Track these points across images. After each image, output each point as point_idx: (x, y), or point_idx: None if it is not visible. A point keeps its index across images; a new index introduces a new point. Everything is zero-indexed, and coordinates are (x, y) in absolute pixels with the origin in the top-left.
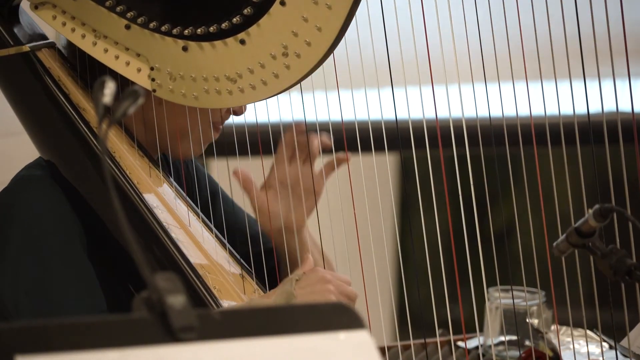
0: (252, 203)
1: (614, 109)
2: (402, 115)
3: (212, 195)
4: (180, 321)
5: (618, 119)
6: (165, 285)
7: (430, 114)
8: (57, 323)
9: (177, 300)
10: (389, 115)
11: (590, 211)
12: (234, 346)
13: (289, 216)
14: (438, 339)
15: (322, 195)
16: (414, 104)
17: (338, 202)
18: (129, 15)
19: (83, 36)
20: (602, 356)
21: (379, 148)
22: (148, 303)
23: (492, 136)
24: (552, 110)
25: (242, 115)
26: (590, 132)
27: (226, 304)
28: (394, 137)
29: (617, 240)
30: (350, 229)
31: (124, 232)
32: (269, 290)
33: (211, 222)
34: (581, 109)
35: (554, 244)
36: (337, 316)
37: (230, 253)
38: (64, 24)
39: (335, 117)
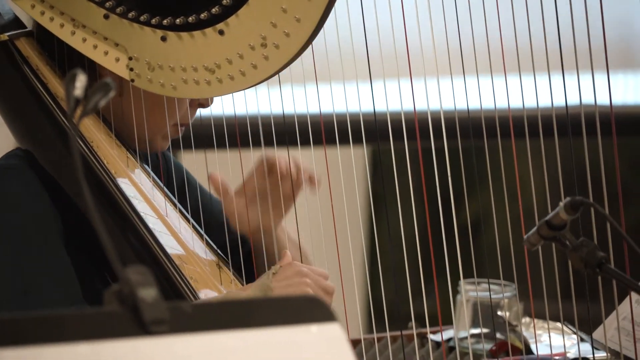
0: (226, 208)
1: (591, 102)
2: (376, 108)
3: (190, 186)
4: (151, 314)
5: (596, 111)
6: (136, 278)
7: (402, 107)
8: (27, 316)
9: (148, 293)
10: (365, 108)
11: (561, 204)
12: (205, 339)
13: (262, 219)
14: (414, 332)
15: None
16: (390, 97)
17: (312, 195)
18: (107, 4)
19: (62, 25)
20: (578, 347)
21: (351, 141)
22: (119, 296)
23: (469, 129)
24: (520, 104)
25: (221, 107)
26: (569, 125)
27: (203, 294)
28: (367, 130)
29: (595, 233)
30: (325, 222)
31: (96, 224)
32: (245, 279)
33: (188, 212)
34: (558, 102)
35: (525, 236)
36: (309, 309)
37: (207, 243)
38: (42, 13)
39: (313, 109)
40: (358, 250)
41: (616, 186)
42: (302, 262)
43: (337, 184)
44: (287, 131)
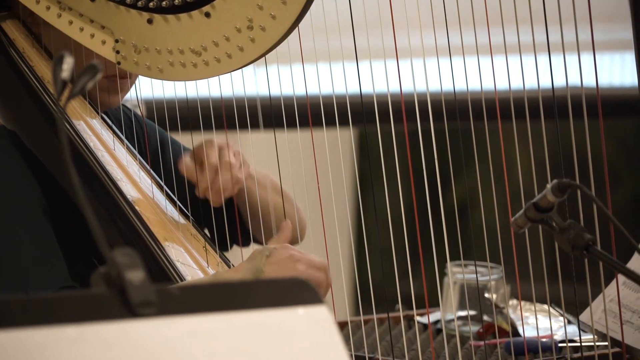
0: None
1: (578, 83)
2: (363, 89)
3: (161, 142)
4: (138, 296)
5: (582, 93)
6: (123, 261)
7: (389, 88)
8: (14, 299)
9: (135, 275)
10: (351, 89)
11: (549, 186)
12: (192, 321)
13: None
14: (401, 314)
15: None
16: (377, 79)
17: (299, 177)
18: None
19: (48, 8)
20: (565, 330)
21: (338, 123)
22: (107, 278)
23: (455, 111)
24: (507, 85)
25: (207, 89)
26: (555, 106)
27: (189, 277)
28: (354, 112)
29: (581, 215)
30: (311, 205)
31: (83, 208)
32: (226, 258)
33: (162, 169)
34: (545, 84)
35: (513, 219)
36: (296, 292)
37: (194, 226)
38: None
39: (300, 91)
40: (345, 233)
41: (603, 168)
42: (286, 208)
43: (323, 167)
44: (273, 113)
